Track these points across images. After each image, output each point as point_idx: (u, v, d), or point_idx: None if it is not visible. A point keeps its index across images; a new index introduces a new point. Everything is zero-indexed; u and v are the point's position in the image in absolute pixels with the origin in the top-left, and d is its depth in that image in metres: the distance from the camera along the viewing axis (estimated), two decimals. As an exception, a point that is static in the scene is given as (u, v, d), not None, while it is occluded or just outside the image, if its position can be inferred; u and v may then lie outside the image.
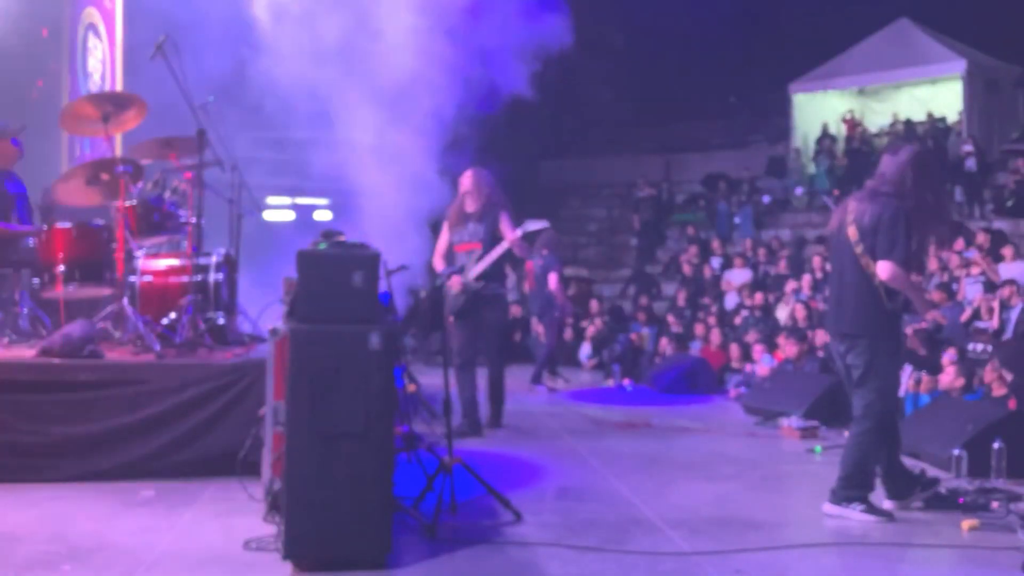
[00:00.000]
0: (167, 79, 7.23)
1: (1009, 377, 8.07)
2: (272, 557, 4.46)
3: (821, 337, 9.93)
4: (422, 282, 10.02)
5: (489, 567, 4.53)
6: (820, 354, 9.87)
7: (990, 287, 10.56)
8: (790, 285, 13.37)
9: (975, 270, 11.26)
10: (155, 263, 7.38)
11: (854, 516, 5.33)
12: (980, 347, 9.17)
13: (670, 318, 14.16)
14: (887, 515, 5.38)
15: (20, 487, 5.60)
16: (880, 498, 5.54)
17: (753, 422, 8.77)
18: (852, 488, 5.39)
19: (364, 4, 9.91)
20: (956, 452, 6.30)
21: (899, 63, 18.98)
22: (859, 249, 5.32)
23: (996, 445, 6.21)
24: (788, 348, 10.16)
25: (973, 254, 11.55)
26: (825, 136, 19.73)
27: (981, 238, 12.02)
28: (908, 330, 9.02)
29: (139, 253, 7.26)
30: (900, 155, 5.45)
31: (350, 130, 10.19)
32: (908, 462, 6.47)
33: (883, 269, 5.22)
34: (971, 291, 10.90)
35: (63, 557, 4.48)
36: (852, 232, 5.36)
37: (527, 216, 8.10)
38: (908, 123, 19.03)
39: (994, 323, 9.90)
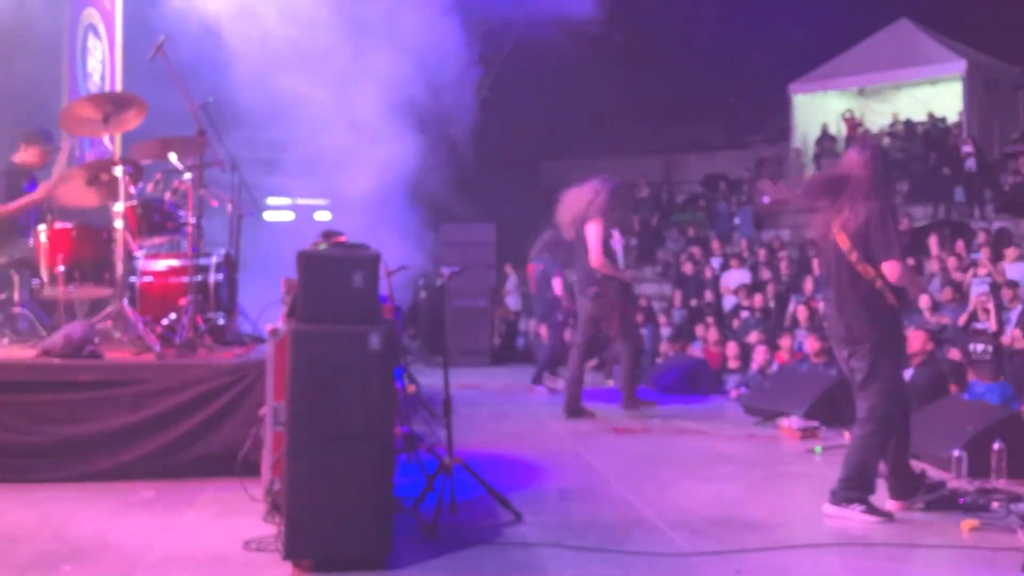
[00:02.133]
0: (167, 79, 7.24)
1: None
2: (272, 557, 4.46)
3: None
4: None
5: (489, 567, 4.53)
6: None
7: (996, 287, 10.54)
8: (775, 287, 13.40)
9: (981, 270, 11.25)
10: (155, 263, 7.38)
11: (854, 516, 5.33)
12: (980, 347, 9.16)
13: (662, 319, 14.16)
14: (887, 515, 5.38)
15: (20, 487, 5.61)
16: (883, 497, 5.54)
17: (753, 422, 8.76)
18: (853, 489, 5.38)
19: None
20: (956, 453, 6.30)
21: (899, 63, 19.00)
22: (853, 256, 5.32)
23: (996, 446, 6.22)
24: (809, 344, 10.12)
25: (980, 255, 11.54)
26: (825, 136, 19.73)
27: (987, 238, 12.03)
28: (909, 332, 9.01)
29: (139, 253, 7.26)
30: (864, 153, 5.47)
31: (347, 128, 10.19)
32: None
33: (890, 270, 5.23)
34: (977, 291, 10.87)
35: (63, 557, 4.48)
36: (842, 240, 5.37)
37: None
38: (908, 123, 19.04)
39: (992, 324, 9.88)
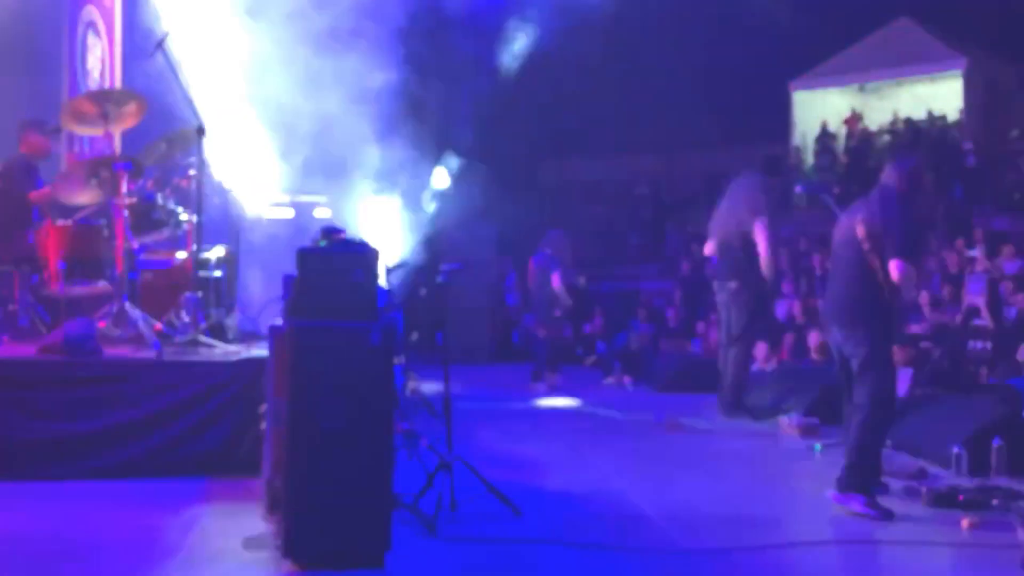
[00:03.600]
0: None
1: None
2: (272, 555, 4.46)
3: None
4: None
5: (489, 564, 4.53)
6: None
7: (994, 283, 10.55)
8: (787, 284, 13.37)
9: (979, 267, 11.25)
10: (155, 260, 7.38)
11: (855, 508, 5.31)
12: (980, 345, 9.16)
13: (668, 316, 14.16)
14: (887, 513, 5.33)
15: (20, 485, 5.59)
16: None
17: (753, 420, 8.75)
18: (857, 475, 5.38)
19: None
20: (956, 450, 6.30)
21: (900, 61, 19.00)
22: (867, 246, 5.42)
23: (996, 443, 6.22)
24: (813, 339, 10.10)
25: (977, 252, 11.54)
26: (825, 134, 19.72)
27: (985, 235, 12.04)
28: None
29: (139, 250, 7.26)
30: (904, 164, 5.67)
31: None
32: (907, 460, 6.49)
33: (895, 269, 5.29)
34: (975, 288, 10.87)
35: (62, 556, 4.48)
36: (861, 231, 5.46)
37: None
38: (909, 121, 19.03)
39: (988, 320, 9.87)
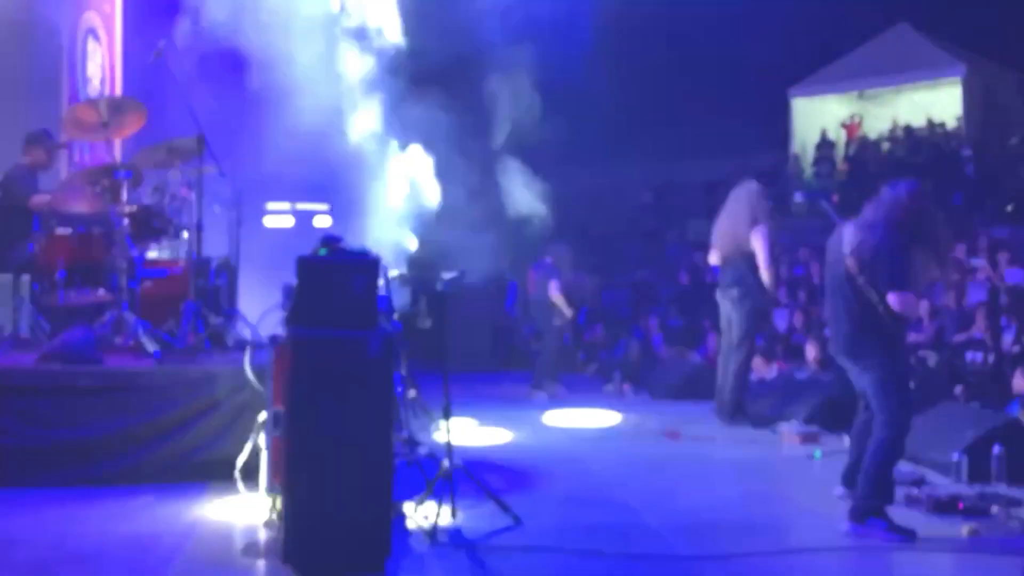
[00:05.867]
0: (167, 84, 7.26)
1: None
2: (272, 562, 4.46)
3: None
4: None
5: (488, 572, 4.53)
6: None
7: (995, 293, 10.52)
8: (785, 293, 13.36)
9: (980, 275, 11.24)
10: (155, 269, 7.38)
11: (877, 538, 5.13)
12: (979, 355, 9.15)
13: (665, 324, 14.16)
14: (910, 534, 5.16)
15: (19, 492, 5.60)
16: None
17: (753, 427, 8.74)
18: (873, 498, 5.22)
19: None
20: (956, 457, 6.30)
21: (899, 68, 19.03)
22: (861, 280, 5.31)
23: (996, 450, 6.22)
24: (811, 352, 10.11)
25: (980, 261, 11.53)
26: (824, 142, 19.73)
27: (986, 243, 12.03)
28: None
29: (139, 259, 7.26)
30: (899, 189, 5.47)
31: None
32: (907, 468, 6.48)
33: (895, 302, 5.19)
34: (975, 296, 10.85)
35: (62, 562, 4.48)
36: (852, 264, 5.35)
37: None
38: (908, 128, 19.05)
39: (985, 332, 9.84)
